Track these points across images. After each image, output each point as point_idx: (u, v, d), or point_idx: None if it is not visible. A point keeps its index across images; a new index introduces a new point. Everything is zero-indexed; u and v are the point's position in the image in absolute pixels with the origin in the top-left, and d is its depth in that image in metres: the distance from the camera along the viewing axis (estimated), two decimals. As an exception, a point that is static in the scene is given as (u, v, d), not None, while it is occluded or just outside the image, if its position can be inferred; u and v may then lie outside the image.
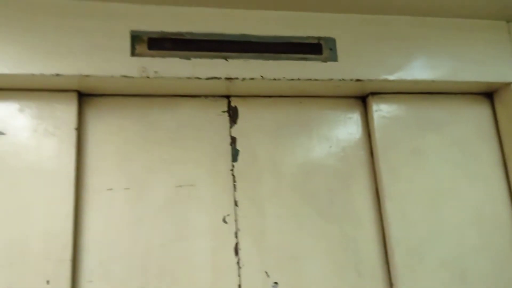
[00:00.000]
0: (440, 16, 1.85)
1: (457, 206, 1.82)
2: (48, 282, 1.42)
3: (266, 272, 1.64)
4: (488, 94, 2.00)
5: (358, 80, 1.73)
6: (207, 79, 1.60)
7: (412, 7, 1.79)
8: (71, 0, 1.53)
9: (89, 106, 1.66)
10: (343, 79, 1.72)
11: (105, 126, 1.66)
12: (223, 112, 1.78)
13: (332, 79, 1.71)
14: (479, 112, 1.98)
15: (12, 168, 1.50)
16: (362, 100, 1.93)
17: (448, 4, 1.78)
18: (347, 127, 1.89)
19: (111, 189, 1.60)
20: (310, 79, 1.69)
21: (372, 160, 1.86)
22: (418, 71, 1.80)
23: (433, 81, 1.81)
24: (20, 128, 1.54)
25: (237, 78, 1.63)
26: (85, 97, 1.66)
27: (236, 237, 1.66)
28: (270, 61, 1.67)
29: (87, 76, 1.51)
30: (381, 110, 1.88)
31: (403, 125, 1.88)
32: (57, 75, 1.48)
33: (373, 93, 1.88)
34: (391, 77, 1.77)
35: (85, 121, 1.64)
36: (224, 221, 1.66)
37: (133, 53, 1.55)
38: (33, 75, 1.47)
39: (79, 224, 1.54)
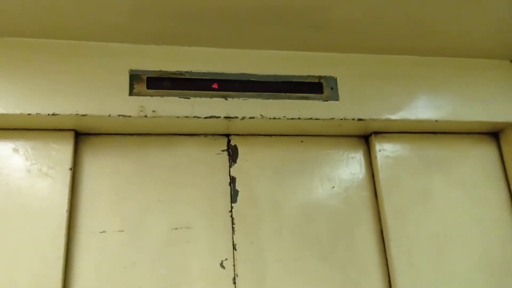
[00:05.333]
0: (443, 56, 1.84)
1: (464, 251, 1.74)
2: (34, 330, 1.35)
3: (265, 321, 1.56)
4: (494, 134, 1.96)
5: (360, 119, 1.70)
6: (206, 118, 1.57)
7: (415, 47, 1.77)
8: (70, 40, 1.52)
9: (86, 146, 1.63)
10: (344, 118, 1.68)
11: (101, 166, 1.62)
12: (223, 151, 1.74)
13: (333, 118, 1.67)
14: (485, 152, 1.93)
15: (3, 209, 1.45)
16: (365, 139, 1.89)
17: (451, 44, 1.77)
18: (350, 167, 1.84)
19: (104, 231, 1.54)
20: (311, 118, 1.66)
21: (376, 201, 1.80)
22: (421, 110, 1.77)
23: (436, 121, 1.77)
24: (14, 168, 1.51)
25: (236, 117, 1.60)
26: (81, 136, 1.63)
27: (234, 283, 1.58)
28: (270, 100, 1.64)
29: (84, 115, 1.48)
30: (384, 149, 1.83)
31: (408, 165, 1.83)
32: (54, 114, 1.46)
33: (376, 132, 1.84)
34: (393, 117, 1.74)
35: (81, 161, 1.60)
36: (222, 266, 1.59)
37: (131, 93, 1.53)
38: (29, 114, 1.44)
39: (69, 268, 1.47)
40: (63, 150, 1.55)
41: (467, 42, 1.76)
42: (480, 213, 1.82)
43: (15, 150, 1.52)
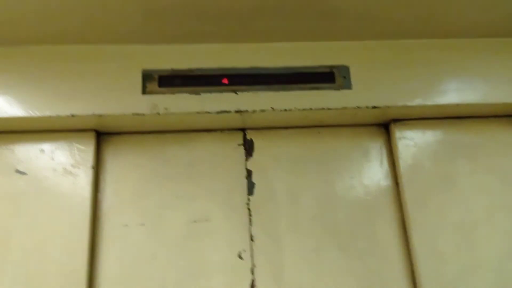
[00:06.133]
0: (462, 37, 1.76)
1: (494, 239, 1.66)
2: (62, 318, 1.44)
3: (283, 311, 1.57)
4: (526, 116, 1.85)
5: (374, 107, 1.67)
6: (217, 113, 1.61)
7: (430, 30, 1.71)
8: (84, 45, 1.61)
9: (107, 145, 1.71)
10: (358, 107, 1.66)
11: (122, 164, 1.69)
12: (239, 145, 1.77)
13: (346, 107, 1.66)
14: (515, 136, 1.83)
15: (32, 207, 1.56)
16: (385, 127, 1.85)
17: (470, 24, 1.70)
18: (369, 157, 1.81)
19: (126, 225, 1.62)
20: (323, 108, 1.65)
21: (397, 190, 1.76)
22: (441, 95, 1.71)
23: (457, 105, 1.71)
24: (41, 168, 1.61)
25: (247, 111, 1.62)
26: (103, 136, 1.71)
27: (252, 273, 1.60)
28: (281, 92, 1.65)
29: (100, 115, 1.56)
30: (405, 137, 1.79)
31: (431, 152, 1.77)
32: (72, 115, 1.55)
33: (396, 120, 1.80)
34: (411, 103, 1.69)
35: (103, 160, 1.69)
36: (240, 257, 1.62)
37: (144, 91, 1.59)
38: (49, 117, 1.54)
39: (94, 261, 1.56)
40: (85, 150, 1.64)
41: (487, 21, 1.69)
42: (511, 201, 1.73)
43: (42, 151, 1.63)
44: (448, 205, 1.70)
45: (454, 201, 1.71)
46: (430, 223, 1.67)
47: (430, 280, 1.59)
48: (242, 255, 1.62)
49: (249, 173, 1.73)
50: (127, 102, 1.58)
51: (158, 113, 1.58)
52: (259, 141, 1.78)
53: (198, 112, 1.60)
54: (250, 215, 1.68)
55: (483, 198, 1.72)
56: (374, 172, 1.79)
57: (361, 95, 1.68)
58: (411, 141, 1.78)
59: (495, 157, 1.79)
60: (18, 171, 1.60)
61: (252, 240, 1.64)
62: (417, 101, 1.70)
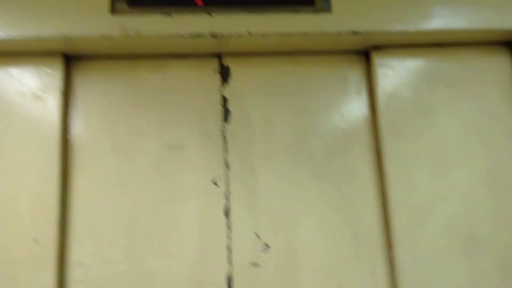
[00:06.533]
0: (449, -42, 1.68)
1: (467, 166, 1.68)
2: (36, 241, 1.46)
3: (257, 235, 1.60)
4: (507, 43, 1.81)
5: (355, 32, 1.62)
6: (190, 36, 1.54)
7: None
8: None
9: (77, 70, 1.66)
10: (338, 32, 1.61)
11: (92, 89, 1.65)
12: (215, 71, 1.72)
13: (325, 32, 1.60)
14: (497, 64, 1.79)
15: (1, 130, 1.53)
16: (365, 55, 1.80)
17: None
18: (348, 85, 1.77)
19: (97, 151, 1.60)
20: (302, 33, 1.59)
21: (374, 118, 1.75)
22: (424, 21, 1.65)
23: (440, 31, 1.66)
24: (9, 92, 1.57)
25: (222, 35, 1.56)
26: (73, 61, 1.65)
27: (227, 199, 1.62)
28: (258, 15, 1.58)
29: (66, 37, 1.49)
30: (385, 65, 1.75)
31: (410, 81, 1.74)
32: (38, 37, 1.48)
33: (376, 47, 1.75)
34: (392, 29, 1.64)
35: (73, 84, 1.64)
36: (215, 183, 1.63)
37: (112, 11, 1.51)
38: (15, 38, 1.47)
39: (66, 186, 1.56)
40: (54, 74, 1.59)
41: None
42: (487, 128, 1.73)
43: (10, 75, 1.57)
44: (424, 133, 1.71)
45: (430, 129, 1.71)
46: (404, 150, 1.68)
47: (400, 206, 1.63)
48: (217, 182, 1.63)
49: (224, 100, 1.70)
50: (94, 22, 1.50)
51: (128, 35, 1.51)
52: (236, 68, 1.74)
53: (170, 35, 1.53)
54: (225, 142, 1.67)
55: (459, 126, 1.72)
56: (352, 101, 1.77)
57: (341, 19, 1.62)
58: (391, 69, 1.75)
59: (474, 85, 1.77)
60: (-15, 95, 1.55)
61: (227, 167, 1.65)
62: (398, 27, 1.64)
